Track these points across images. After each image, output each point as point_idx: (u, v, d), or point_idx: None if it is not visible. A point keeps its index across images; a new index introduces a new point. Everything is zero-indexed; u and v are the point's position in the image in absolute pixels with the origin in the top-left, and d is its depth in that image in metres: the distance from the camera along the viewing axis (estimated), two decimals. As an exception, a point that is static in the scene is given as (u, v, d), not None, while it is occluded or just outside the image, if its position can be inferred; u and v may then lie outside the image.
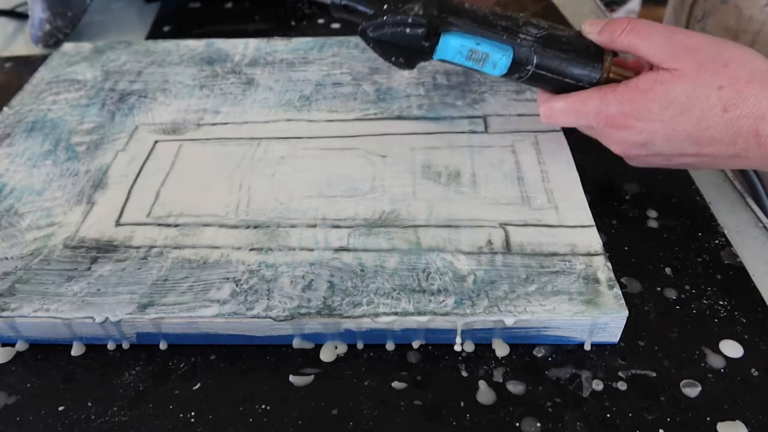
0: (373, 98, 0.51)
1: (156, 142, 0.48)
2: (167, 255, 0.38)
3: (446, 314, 0.34)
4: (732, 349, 0.35)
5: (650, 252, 0.41)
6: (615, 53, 0.39)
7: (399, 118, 0.49)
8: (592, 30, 0.38)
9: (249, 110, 0.51)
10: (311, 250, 0.38)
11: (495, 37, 0.37)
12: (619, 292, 0.35)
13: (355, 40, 0.59)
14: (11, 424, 0.32)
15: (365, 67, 0.55)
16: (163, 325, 0.35)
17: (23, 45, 0.67)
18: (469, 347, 0.35)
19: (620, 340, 0.35)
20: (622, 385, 0.33)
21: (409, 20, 0.36)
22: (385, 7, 0.37)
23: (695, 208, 0.44)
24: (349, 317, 0.34)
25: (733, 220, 0.43)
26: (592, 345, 0.35)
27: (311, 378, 0.34)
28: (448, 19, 0.37)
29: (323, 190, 0.42)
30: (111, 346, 0.36)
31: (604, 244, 0.38)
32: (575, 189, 0.42)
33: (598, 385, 0.33)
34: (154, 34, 0.69)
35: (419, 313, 0.34)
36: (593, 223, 0.39)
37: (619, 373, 0.34)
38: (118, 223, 0.40)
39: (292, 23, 0.70)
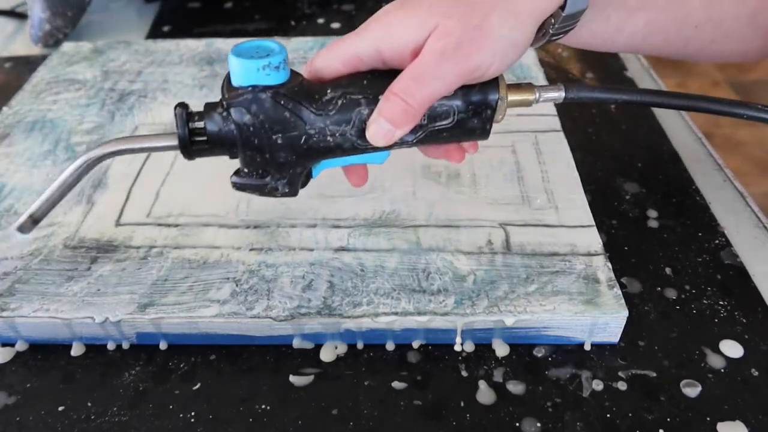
0: (373, 98, 0.51)
1: (156, 142, 0.47)
2: (167, 255, 0.38)
3: (446, 314, 0.34)
4: (732, 349, 0.35)
5: (650, 252, 0.41)
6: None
7: (399, 118, 0.49)
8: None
9: (249, 110, 0.51)
10: (311, 250, 0.38)
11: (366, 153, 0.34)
12: (619, 292, 0.35)
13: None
14: (11, 424, 0.32)
15: (365, 67, 0.55)
16: (163, 325, 0.35)
17: (23, 45, 0.67)
18: (469, 347, 0.35)
19: (620, 340, 0.35)
20: (622, 385, 0.33)
21: (278, 195, 0.34)
22: (246, 170, 0.33)
23: (695, 208, 0.44)
24: (349, 317, 0.34)
25: (733, 220, 0.43)
26: (592, 345, 0.35)
27: (311, 378, 0.34)
28: (312, 164, 0.34)
29: (323, 190, 0.42)
30: (111, 346, 0.36)
31: (604, 244, 0.38)
32: (575, 189, 0.42)
33: (598, 385, 0.33)
34: (154, 33, 0.69)
35: (419, 313, 0.34)
36: (593, 223, 0.39)
37: (619, 373, 0.34)
38: (118, 223, 0.40)
39: (292, 23, 0.70)
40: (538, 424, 0.32)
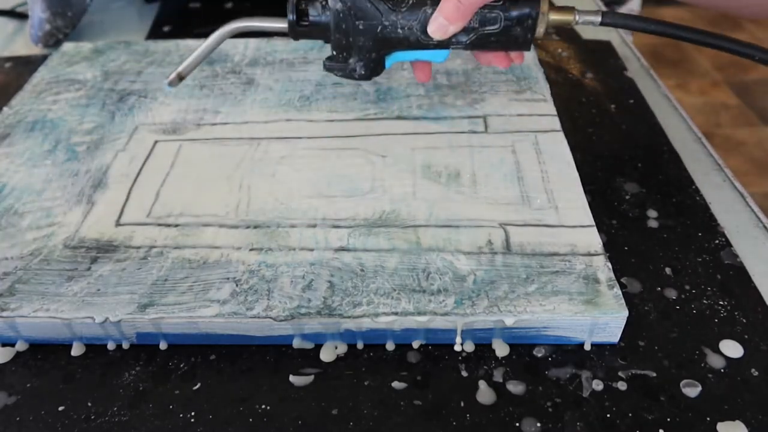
0: (373, 98, 0.51)
1: (156, 142, 0.48)
2: (167, 255, 0.38)
3: (446, 314, 0.34)
4: (732, 349, 0.35)
5: (650, 252, 0.41)
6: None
7: (399, 118, 0.49)
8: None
9: (249, 110, 0.51)
10: (311, 250, 0.38)
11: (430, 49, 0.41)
12: (619, 292, 0.35)
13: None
14: (11, 424, 0.32)
15: (365, 67, 0.55)
16: (163, 325, 0.35)
17: (23, 45, 0.67)
18: (469, 347, 0.35)
19: (620, 340, 0.35)
20: (622, 385, 0.33)
21: (356, 76, 0.42)
22: (335, 53, 0.41)
23: (695, 208, 0.44)
24: (349, 317, 0.34)
25: (733, 220, 0.43)
26: (592, 345, 0.35)
27: (311, 378, 0.34)
28: (385, 53, 0.41)
29: (323, 190, 0.42)
30: (111, 346, 0.36)
31: (604, 244, 0.38)
32: (575, 189, 0.42)
33: (598, 385, 0.33)
34: (154, 34, 0.69)
35: (419, 313, 0.34)
36: (593, 223, 0.39)
37: (619, 373, 0.34)
38: (118, 223, 0.40)
39: (292, 23, 0.70)
40: (538, 424, 0.32)
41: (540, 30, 0.39)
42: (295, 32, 0.41)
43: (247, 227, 0.40)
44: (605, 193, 0.45)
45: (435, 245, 0.38)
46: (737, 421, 0.32)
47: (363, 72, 0.41)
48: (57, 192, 0.43)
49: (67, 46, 0.60)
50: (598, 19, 0.39)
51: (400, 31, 0.39)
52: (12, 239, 0.40)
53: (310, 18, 0.40)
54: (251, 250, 0.38)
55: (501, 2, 0.38)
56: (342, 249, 0.38)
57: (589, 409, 0.32)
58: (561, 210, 0.40)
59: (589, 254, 0.37)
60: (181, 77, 0.43)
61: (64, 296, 0.36)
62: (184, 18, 0.72)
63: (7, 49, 0.67)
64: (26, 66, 0.61)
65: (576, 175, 0.43)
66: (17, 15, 0.73)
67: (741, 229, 0.43)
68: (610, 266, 0.36)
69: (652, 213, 0.43)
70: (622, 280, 0.39)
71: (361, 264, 0.37)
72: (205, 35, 0.42)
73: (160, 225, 0.40)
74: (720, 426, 0.32)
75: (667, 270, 0.39)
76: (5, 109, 0.52)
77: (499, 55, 0.42)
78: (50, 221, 0.41)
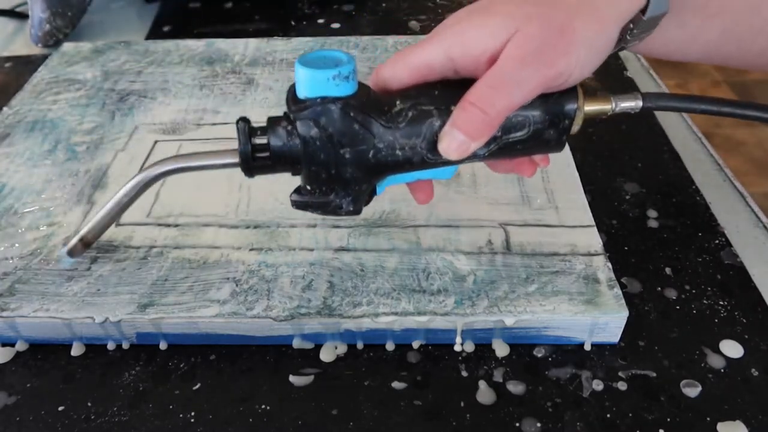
0: (373, 98, 0.51)
1: (156, 142, 0.48)
2: (167, 255, 0.38)
3: (446, 314, 0.34)
4: (732, 349, 0.35)
5: (650, 252, 0.41)
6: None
7: (399, 118, 0.49)
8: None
9: (249, 110, 0.51)
10: (311, 250, 0.38)
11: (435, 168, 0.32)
12: (619, 292, 0.35)
13: (355, 39, 0.59)
14: (11, 424, 0.32)
15: (365, 67, 0.55)
16: (163, 325, 0.35)
17: (23, 45, 0.67)
18: (469, 347, 0.35)
19: (620, 340, 0.35)
20: (622, 385, 0.33)
21: (342, 213, 0.32)
22: (308, 187, 0.32)
23: (695, 208, 0.44)
24: (349, 317, 0.34)
25: (733, 220, 0.43)
26: (592, 345, 0.35)
27: (311, 378, 0.34)
28: (378, 180, 0.33)
29: (323, 190, 0.42)
30: (111, 346, 0.36)
31: (604, 244, 0.38)
32: (575, 189, 0.42)
33: (598, 385, 0.33)
34: (154, 34, 0.69)
35: (419, 313, 0.34)
36: (593, 223, 0.39)
37: (619, 373, 0.34)
38: (118, 223, 0.40)
39: (292, 23, 0.70)
40: (538, 424, 0.32)
41: (575, 128, 0.31)
42: (250, 167, 0.31)
43: (247, 227, 0.40)
44: (605, 193, 0.45)
45: (435, 245, 0.38)
46: (737, 421, 0.32)
47: (351, 208, 0.32)
48: (57, 192, 0.43)
49: (67, 46, 0.60)
50: (639, 103, 0.32)
51: (399, 152, 0.30)
52: (12, 239, 0.39)
53: (272, 147, 0.30)
54: (251, 250, 0.38)
55: (530, 102, 0.30)
56: (342, 249, 0.38)
57: (589, 409, 0.32)
58: (561, 210, 0.40)
59: (589, 254, 0.37)
60: (86, 244, 0.35)
61: (64, 296, 0.36)
62: (184, 18, 0.72)
63: (7, 49, 0.67)
64: (26, 66, 0.61)
65: (576, 175, 0.43)
66: (17, 15, 0.73)
67: (741, 229, 0.43)
68: (610, 266, 0.36)
69: (652, 213, 0.43)
70: (622, 280, 0.39)
71: (361, 264, 0.37)
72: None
73: (160, 225, 0.40)
74: (720, 426, 0.32)
75: (667, 270, 0.39)
76: (5, 109, 0.52)
77: (522, 162, 0.34)
78: (50, 221, 0.41)
